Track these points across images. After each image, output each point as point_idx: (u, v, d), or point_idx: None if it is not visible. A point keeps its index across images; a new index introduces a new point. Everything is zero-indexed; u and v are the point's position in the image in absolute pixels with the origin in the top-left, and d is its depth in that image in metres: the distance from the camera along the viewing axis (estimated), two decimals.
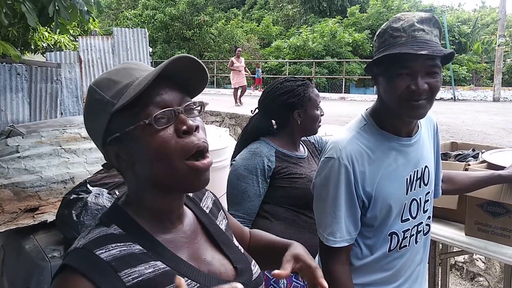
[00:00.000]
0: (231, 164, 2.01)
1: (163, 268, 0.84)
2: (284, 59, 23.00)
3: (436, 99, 1.36)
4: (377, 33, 1.41)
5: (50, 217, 2.58)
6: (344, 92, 18.87)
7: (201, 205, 1.08)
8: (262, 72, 21.45)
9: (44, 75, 7.96)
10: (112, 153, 0.88)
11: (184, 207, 1.01)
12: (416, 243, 1.52)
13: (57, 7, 3.40)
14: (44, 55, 10.19)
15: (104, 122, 0.85)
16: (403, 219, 1.47)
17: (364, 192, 1.41)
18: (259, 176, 1.89)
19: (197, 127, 0.86)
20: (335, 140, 1.45)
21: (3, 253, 2.69)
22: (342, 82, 19.80)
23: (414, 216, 1.49)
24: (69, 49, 11.03)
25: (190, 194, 1.08)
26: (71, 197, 2.33)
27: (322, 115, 2.03)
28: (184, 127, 0.84)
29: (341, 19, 24.93)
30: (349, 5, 26.62)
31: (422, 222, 1.53)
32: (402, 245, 1.48)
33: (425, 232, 1.56)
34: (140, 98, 0.82)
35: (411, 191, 1.47)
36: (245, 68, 13.80)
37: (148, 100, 0.84)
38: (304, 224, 1.91)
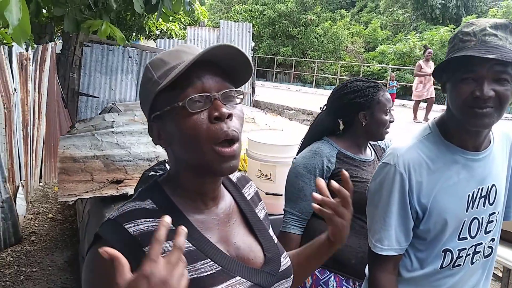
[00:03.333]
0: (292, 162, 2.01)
1: (188, 248, 0.85)
2: (388, 64, 22.26)
3: None
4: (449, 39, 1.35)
5: (132, 190, 2.79)
6: None
7: (243, 191, 1.10)
8: (364, 75, 20.95)
9: None
10: (155, 130, 0.93)
11: (225, 191, 1.04)
12: (472, 264, 1.43)
13: None
14: (156, 41, 10.85)
15: (150, 99, 0.91)
16: (460, 237, 1.40)
17: (418, 203, 1.36)
18: (317, 176, 1.85)
19: (230, 115, 0.87)
20: (394, 146, 1.42)
21: (87, 218, 2.95)
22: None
23: (473, 235, 1.41)
24: (178, 37, 11.62)
25: (234, 179, 1.11)
26: (149, 174, 2.49)
27: (391, 122, 1.97)
28: (216, 114, 0.85)
29: (454, 28, 23.53)
30: (465, 14, 25.06)
31: (482, 243, 1.43)
32: (455, 264, 1.41)
33: (485, 254, 1.46)
34: (182, 81, 0.86)
35: (472, 209, 1.38)
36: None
37: (188, 84, 0.87)
38: (360, 229, 1.87)
